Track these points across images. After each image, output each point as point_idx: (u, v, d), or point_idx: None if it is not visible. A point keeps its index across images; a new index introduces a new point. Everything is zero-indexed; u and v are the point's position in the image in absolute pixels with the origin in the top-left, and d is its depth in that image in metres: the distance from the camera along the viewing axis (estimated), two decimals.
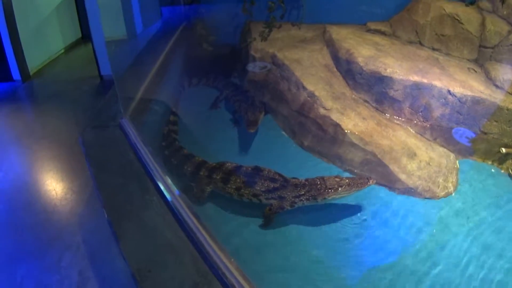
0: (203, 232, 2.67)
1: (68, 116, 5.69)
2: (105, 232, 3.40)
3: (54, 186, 4.43)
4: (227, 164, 3.60)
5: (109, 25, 5.26)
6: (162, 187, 3.05)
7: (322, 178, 3.52)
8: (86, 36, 8.45)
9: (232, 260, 2.49)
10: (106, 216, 2.84)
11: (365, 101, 4.76)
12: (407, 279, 3.11)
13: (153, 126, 4.28)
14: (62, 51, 8.20)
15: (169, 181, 3.12)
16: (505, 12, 5.63)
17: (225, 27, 6.15)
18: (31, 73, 7.07)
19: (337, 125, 4.29)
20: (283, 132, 4.77)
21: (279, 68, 5.11)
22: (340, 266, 3.17)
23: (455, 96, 4.59)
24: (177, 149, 3.92)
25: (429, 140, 4.65)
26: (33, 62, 7.13)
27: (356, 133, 4.26)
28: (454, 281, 3.14)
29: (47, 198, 4.23)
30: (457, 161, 4.63)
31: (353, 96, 4.76)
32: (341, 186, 3.45)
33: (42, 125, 5.66)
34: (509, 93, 4.93)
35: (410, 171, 4.14)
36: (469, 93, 4.57)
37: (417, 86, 4.58)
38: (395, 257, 3.33)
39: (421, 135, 4.65)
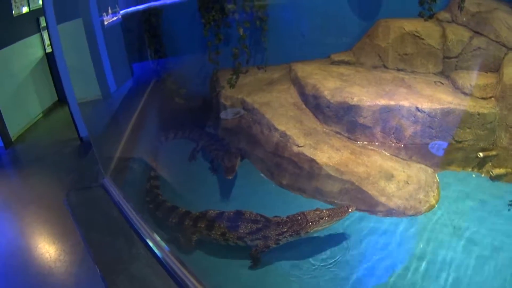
0: (192, 278, 3.67)
1: (52, 180, 6.96)
2: None
3: (47, 249, 5.56)
4: (210, 212, 4.76)
5: (81, 87, 6.66)
6: (147, 240, 4.11)
7: (303, 213, 4.68)
8: (62, 99, 10.05)
9: None
10: (98, 272, 3.93)
11: (337, 132, 6.13)
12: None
13: (135, 183, 5.52)
14: (41, 115, 9.77)
15: (154, 234, 4.20)
16: (464, 19, 7.18)
17: (193, 79, 7.59)
18: (13, 139, 8.45)
19: (312, 160, 5.59)
20: (262, 174, 6.07)
21: (250, 112, 6.45)
22: None
23: (424, 112, 5.98)
24: (160, 203, 5.09)
25: (405, 159, 6.01)
26: (14, 128, 8.52)
27: (331, 164, 5.56)
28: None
29: (41, 261, 5.31)
30: (436, 174, 5.98)
31: (324, 129, 6.13)
32: (321, 218, 4.61)
33: (28, 190, 6.92)
34: (478, 98, 6.38)
35: (389, 193, 5.42)
36: (437, 106, 5.97)
37: (386, 110, 5.97)
38: (387, 276, 4.40)
39: (396, 156, 6.01)
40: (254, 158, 6.30)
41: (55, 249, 5.61)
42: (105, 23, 6.47)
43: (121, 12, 6.92)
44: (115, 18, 6.81)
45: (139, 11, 7.16)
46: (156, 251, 4.04)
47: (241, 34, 6.92)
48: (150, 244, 4.13)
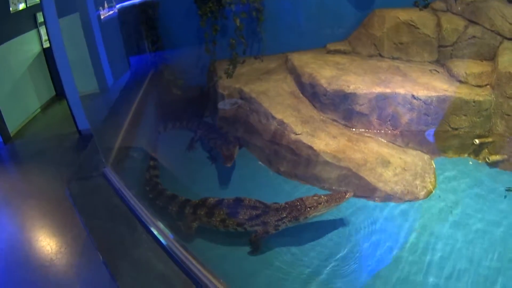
0: (194, 261, 3.82)
1: (52, 173, 7.14)
2: (103, 279, 4.77)
3: (48, 241, 5.75)
4: (210, 199, 4.94)
5: (80, 80, 6.89)
6: (149, 225, 4.26)
7: (301, 199, 4.87)
8: (60, 93, 10.28)
9: (221, 280, 3.67)
10: (101, 258, 4.06)
11: (334, 120, 6.32)
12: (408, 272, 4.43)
13: (135, 172, 5.69)
14: (39, 110, 10.00)
15: (155, 219, 4.34)
16: (459, 8, 7.38)
17: (191, 70, 7.79)
18: (11, 135, 8.67)
19: (309, 148, 5.79)
20: (260, 162, 6.26)
21: (247, 102, 6.64)
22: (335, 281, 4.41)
23: (420, 100, 6.18)
24: (160, 192, 5.27)
25: (401, 146, 6.20)
26: (13, 124, 8.76)
27: (329, 152, 5.75)
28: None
29: (42, 253, 5.51)
30: (433, 161, 6.18)
31: (321, 117, 6.33)
32: (320, 204, 4.79)
33: (28, 184, 7.11)
34: (474, 85, 6.58)
35: (386, 179, 5.61)
36: (433, 94, 6.17)
37: (382, 97, 6.17)
38: (387, 261, 4.57)
39: (392, 143, 6.20)
40: (252, 146, 6.47)
41: (56, 241, 5.79)
42: (102, 17, 6.65)
43: (118, 6, 7.11)
44: (111, 12, 6.99)
45: (135, 3, 7.37)
46: (158, 236, 4.16)
47: (238, 24, 7.10)
48: (152, 229, 4.26)
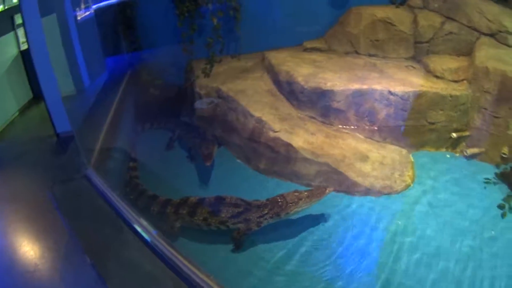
0: (182, 259, 3.90)
1: (33, 177, 7.10)
2: (90, 282, 4.83)
3: (31, 246, 5.74)
4: (191, 198, 5.06)
5: (59, 82, 6.97)
6: (135, 225, 4.36)
7: (282, 195, 5.03)
8: (37, 96, 10.31)
9: (211, 277, 3.77)
10: (88, 260, 4.19)
11: (311, 117, 6.47)
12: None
13: (117, 172, 5.78)
14: (17, 113, 10.00)
15: (140, 219, 4.43)
16: (436, 5, 7.62)
17: (168, 69, 7.93)
18: None
19: (288, 145, 5.92)
20: (239, 160, 6.40)
21: (225, 100, 6.78)
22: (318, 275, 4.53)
23: (397, 95, 6.35)
24: (141, 193, 5.37)
25: (379, 141, 6.38)
26: None
27: (307, 148, 5.90)
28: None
29: (26, 259, 5.49)
30: (411, 155, 6.37)
31: (299, 114, 6.47)
32: (301, 199, 4.95)
33: (8, 189, 7.11)
34: (450, 81, 6.80)
35: (365, 174, 5.79)
36: (410, 89, 6.36)
37: (359, 94, 6.33)
38: (371, 250, 4.77)
39: (370, 138, 6.38)
40: (230, 145, 6.61)
41: (39, 246, 5.76)
42: (79, 18, 6.74)
43: (94, 6, 7.20)
44: (88, 13, 7.08)
45: (113, 4, 7.48)
46: (144, 235, 4.23)
47: (215, 24, 7.25)
48: (138, 229, 4.32)
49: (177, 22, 7.26)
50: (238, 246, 4.82)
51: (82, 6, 6.92)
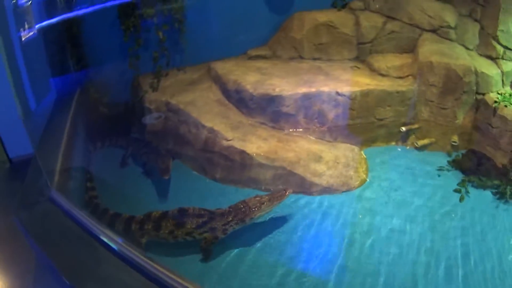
0: (162, 269, 4.12)
1: None
2: None
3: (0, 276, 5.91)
4: (154, 213, 5.45)
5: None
6: (108, 242, 4.57)
7: (244, 201, 5.53)
8: None
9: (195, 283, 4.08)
10: (68, 282, 4.16)
11: (262, 123, 7.07)
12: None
13: (79, 192, 6.06)
14: None
15: (113, 234, 4.71)
16: (377, 6, 8.43)
17: (116, 86, 8.37)
18: None
19: (242, 152, 6.45)
20: (194, 172, 6.89)
21: (175, 113, 7.26)
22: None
23: (344, 95, 7.05)
24: (103, 212, 5.72)
25: (330, 141, 7.01)
26: None
27: (262, 154, 6.43)
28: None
29: None
30: (363, 151, 7.08)
31: (250, 121, 7.04)
32: (263, 203, 5.48)
33: None
34: (395, 77, 7.60)
35: (321, 173, 6.37)
36: (357, 88, 7.09)
37: (307, 97, 6.98)
38: (333, 248, 5.44)
39: (321, 139, 7.00)
40: (184, 157, 7.10)
41: (10, 273, 5.81)
42: (23, 38, 7.26)
43: (39, 26, 7.68)
44: (32, 33, 7.60)
45: (59, 22, 8.04)
46: (120, 250, 4.52)
47: (161, 37, 7.81)
48: (112, 245, 4.60)
49: (123, 37, 7.77)
50: (207, 256, 5.25)
51: (26, 26, 7.46)
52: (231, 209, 5.46)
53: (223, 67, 7.84)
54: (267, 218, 5.80)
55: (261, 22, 8.59)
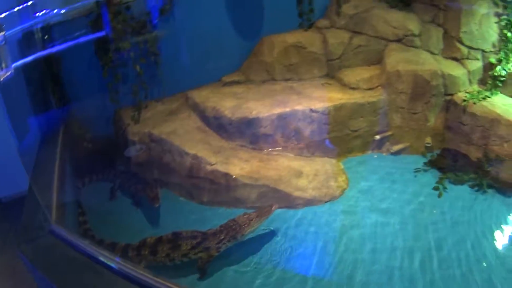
0: (164, 282, 4.72)
1: None
2: None
3: None
4: (148, 239, 6.30)
5: None
6: (116, 267, 5.12)
7: (233, 219, 6.43)
8: None
9: None
10: None
11: (242, 145, 8.01)
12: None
13: (74, 226, 6.88)
14: None
15: (117, 259, 5.33)
16: (343, 22, 9.52)
17: (98, 121, 9.34)
18: None
19: (226, 175, 7.35)
20: (182, 198, 7.83)
21: (158, 143, 8.15)
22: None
23: (318, 112, 8.03)
24: (98, 243, 6.46)
25: (308, 156, 8.02)
26: None
27: (245, 174, 7.33)
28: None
29: None
30: (341, 163, 8.10)
31: (230, 145, 7.95)
32: (251, 220, 6.40)
33: None
34: (366, 89, 8.65)
35: (303, 187, 7.31)
36: (329, 104, 8.08)
37: (283, 116, 7.95)
38: (326, 249, 6.50)
39: (300, 155, 7.99)
40: (171, 185, 8.03)
41: None
42: (1, 79, 7.40)
43: (17, 65, 7.97)
44: (8, 73, 8.34)
45: (38, 61, 8.60)
46: (121, 270, 5.10)
47: (139, 70, 8.78)
48: (112, 265, 5.20)
49: (102, 72, 8.72)
50: (203, 274, 6.13)
51: (3, 65, 8.09)
52: (222, 228, 6.39)
53: (199, 95, 8.85)
54: (257, 234, 6.79)
55: (233, 48, 9.66)
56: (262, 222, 6.61)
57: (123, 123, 8.83)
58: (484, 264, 6.12)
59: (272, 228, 7.01)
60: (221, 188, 7.65)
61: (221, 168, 7.68)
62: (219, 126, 8.40)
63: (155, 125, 8.63)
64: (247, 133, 8.22)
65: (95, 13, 8.66)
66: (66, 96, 9.13)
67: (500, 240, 6.66)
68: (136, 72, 8.87)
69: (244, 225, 6.44)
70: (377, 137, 8.73)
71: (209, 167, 7.73)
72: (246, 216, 6.57)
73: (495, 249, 6.46)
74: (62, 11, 8.57)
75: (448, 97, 9.08)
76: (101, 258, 5.40)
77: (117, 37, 8.80)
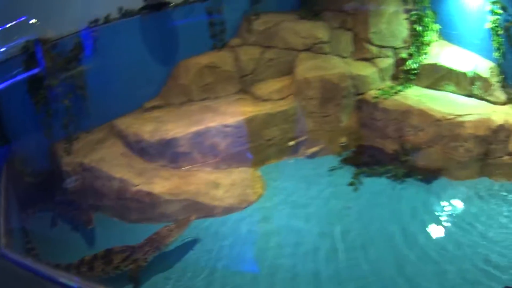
0: None
1: None
2: None
3: None
4: (85, 258, 7.56)
5: None
6: (66, 282, 5.32)
7: (156, 232, 7.77)
8: None
9: None
10: None
11: (163, 165, 9.39)
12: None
13: (24, 251, 8.02)
14: None
15: (68, 274, 6.06)
16: (254, 39, 10.95)
17: (36, 156, 10.75)
18: None
19: (150, 193, 8.69)
20: (114, 218, 9.23)
21: (90, 171, 9.47)
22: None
23: (231, 126, 9.39)
24: (45, 263, 7.21)
25: (226, 169, 9.44)
26: None
27: (167, 191, 8.65)
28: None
29: None
30: (258, 171, 9.51)
31: (152, 166, 9.35)
32: (171, 231, 7.74)
33: None
34: (277, 100, 10.10)
35: (220, 197, 8.67)
36: (241, 117, 9.46)
37: (198, 134, 9.32)
38: (249, 253, 7.88)
39: (218, 168, 9.39)
40: (104, 208, 9.46)
41: None
42: None
43: None
44: None
45: None
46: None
47: (67, 105, 10.18)
48: (70, 284, 5.26)
49: (35, 109, 10.05)
50: (136, 283, 7.44)
51: None
52: (147, 241, 7.79)
53: (123, 123, 10.27)
54: (182, 242, 8.24)
55: (153, 76, 11.18)
56: (182, 232, 8.05)
57: (57, 156, 10.21)
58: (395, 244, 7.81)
59: (194, 236, 8.46)
60: (146, 206, 9.11)
61: (144, 188, 9.13)
62: (140, 149, 9.86)
63: (86, 155, 10.06)
64: (166, 153, 9.69)
65: (28, 52, 10.11)
66: (6, 134, 10.40)
67: (419, 224, 8.29)
68: (65, 107, 10.29)
69: (164, 236, 7.88)
70: (292, 143, 10.31)
71: (134, 188, 9.18)
72: (166, 228, 8.01)
73: (407, 234, 8.05)
74: None
75: (360, 97, 10.70)
76: (51, 275, 5.68)
77: (46, 74, 10.18)
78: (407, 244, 7.71)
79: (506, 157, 9.58)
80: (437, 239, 7.84)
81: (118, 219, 9.61)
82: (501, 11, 10.48)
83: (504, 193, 8.92)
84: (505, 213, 8.33)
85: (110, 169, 9.69)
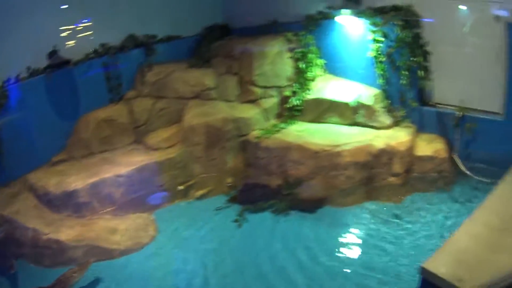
0: None
1: None
2: None
3: None
4: None
5: None
6: None
7: (63, 274, 10.08)
8: None
9: None
10: None
11: (68, 215, 11.59)
12: None
13: None
14: None
15: None
16: (147, 90, 13.35)
17: None
18: None
19: (57, 241, 10.88)
20: (32, 264, 11.20)
21: (10, 222, 11.42)
22: None
23: (123, 176, 11.80)
24: None
25: (123, 215, 11.90)
26: None
27: (71, 238, 10.84)
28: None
29: None
30: (152, 215, 12.12)
31: (59, 216, 11.50)
32: (74, 273, 10.08)
33: None
34: (166, 148, 12.61)
35: (117, 241, 11.07)
36: (132, 167, 12.04)
37: (95, 185, 11.56)
38: None
39: (115, 215, 11.79)
40: (24, 255, 11.27)
41: None
42: None
43: None
44: None
45: None
46: None
47: None
48: None
49: None
50: None
51: None
52: (55, 282, 10.01)
53: (34, 177, 12.42)
54: (87, 282, 10.67)
55: (59, 130, 13.10)
56: (83, 273, 10.32)
57: None
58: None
59: (96, 276, 10.89)
60: (56, 252, 11.31)
61: (53, 236, 11.39)
62: (48, 201, 12.07)
63: (5, 208, 12.23)
64: (70, 204, 11.94)
65: None
66: None
67: (300, 253, 10.06)
68: None
69: (69, 277, 10.17)
70: (181, 187, 12.69)
71: (44, 237, 11.39)
72: (70, 271, 10.24)
73: (288, 265, 9.86)
74: None
75: (244, 138, 12.79)
76: None
77: None
78: (274, 273, 9.83)
79: (392, 178, 11.28)
80: (308, 266, 9.87)
81: (35, 265, 11.73)
82: (382, 39, 12.10)
83: (386, 216, 10.89)
84: (386, 236, 10.22)
85: (25, 220, 11.92)
